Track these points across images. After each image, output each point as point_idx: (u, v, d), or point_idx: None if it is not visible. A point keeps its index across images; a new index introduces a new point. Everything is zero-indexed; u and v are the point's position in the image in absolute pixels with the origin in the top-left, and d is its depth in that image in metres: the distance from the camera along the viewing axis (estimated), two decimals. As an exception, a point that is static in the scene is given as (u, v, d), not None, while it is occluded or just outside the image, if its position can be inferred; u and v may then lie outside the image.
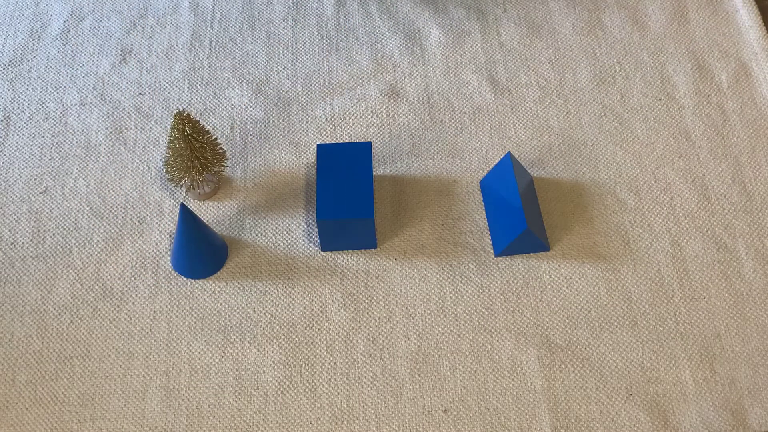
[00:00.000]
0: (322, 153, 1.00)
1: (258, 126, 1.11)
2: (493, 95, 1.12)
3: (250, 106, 1.13)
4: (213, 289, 0.98)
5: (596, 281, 0.98)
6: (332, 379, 0.92)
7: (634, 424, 0.89)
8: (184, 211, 0.92)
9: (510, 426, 0.89)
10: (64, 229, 1.03)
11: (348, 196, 0.96)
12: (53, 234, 1.03)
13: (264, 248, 1.01)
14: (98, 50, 1.18)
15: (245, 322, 0.96)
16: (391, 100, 1.12)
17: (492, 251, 1.00)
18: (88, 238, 1.02)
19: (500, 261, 0.99)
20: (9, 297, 0.98)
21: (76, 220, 1.04)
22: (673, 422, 0.89)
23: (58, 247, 1.02)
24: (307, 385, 0.92)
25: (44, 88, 1.15)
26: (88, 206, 1.05)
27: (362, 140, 1.08)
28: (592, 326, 0.95)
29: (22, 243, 1.02)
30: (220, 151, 1.01)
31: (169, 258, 1.00)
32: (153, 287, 0.99)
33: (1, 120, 1.12)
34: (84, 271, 1.00)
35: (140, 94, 1.14)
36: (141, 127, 1.11)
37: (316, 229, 1.01)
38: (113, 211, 1.04)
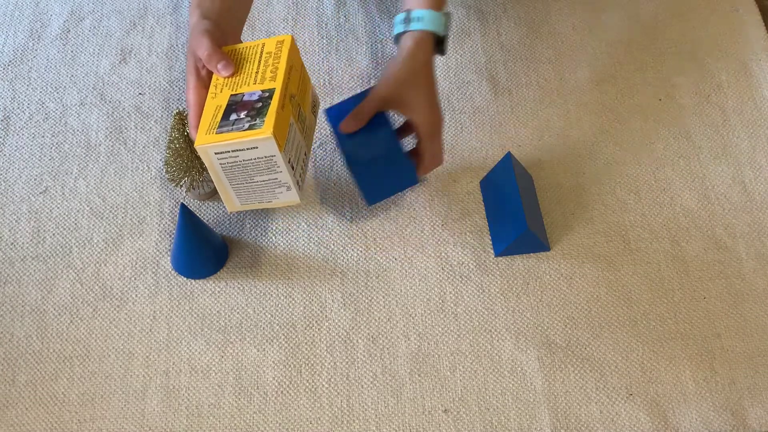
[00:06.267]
0: (333, 116, 0.93)
1: (258, 126, 1.11)
2: (493, 95, 1.12)
3: (250, 106, 1.13)
4: (213, 289, 0.98)
5: (596, 281, 0.98)
6: (332, 379, 0.92)
7: (634, 424, 0.89)
8: (184, 211, 0.92)
9: (510, 426, 0.89)
10: (64, 229, 1.03)
11: (370, 138, 0.90)
12: (53, 234, 1.03)
13: (264, 248, 1.01)
14: (98, 50, 1.18)
15: (245, 322, 0.96)
16: (391, 100, 1.12)
17: (492, 251, 1.00)
18: (88, 238, 1.02)
19: (500, 261, 0.99)
20: (9, 297, 0.98)
21: (76, 220, 1.04)
22: (673, 422, 0.89)
23: (58, 247, 1.02)
24: (307, 385, 0.92)
25: (44, 88, 1.15)
26: (88, 206, 1.05)
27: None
28: (592, 326, 0.95)
29: (22, 243, 1.02)
30: (220, 151, 1.01)
31: (169, 258, 1.00)
32: (153, 287, 0.99)
33: (1, 120, 1.12)
34: (84, 271, 1.00)
35: (140, 94, 1.14)
36: (141, 127, 1.11)
37: (318, 228, 1.01)
38: (113, 211, 1.04)
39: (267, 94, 0.81)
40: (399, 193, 1.04)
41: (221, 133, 0.79)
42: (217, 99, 0.83)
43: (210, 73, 0.87)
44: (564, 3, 1.22)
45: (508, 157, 1.00)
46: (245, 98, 0.82)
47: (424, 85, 0.90)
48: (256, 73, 0.84)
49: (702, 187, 1.04)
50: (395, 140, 0.91)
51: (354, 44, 1.18)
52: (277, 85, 0.82)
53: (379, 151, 0.91)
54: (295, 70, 0.86)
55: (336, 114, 0.93)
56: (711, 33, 1.18)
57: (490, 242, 1.01)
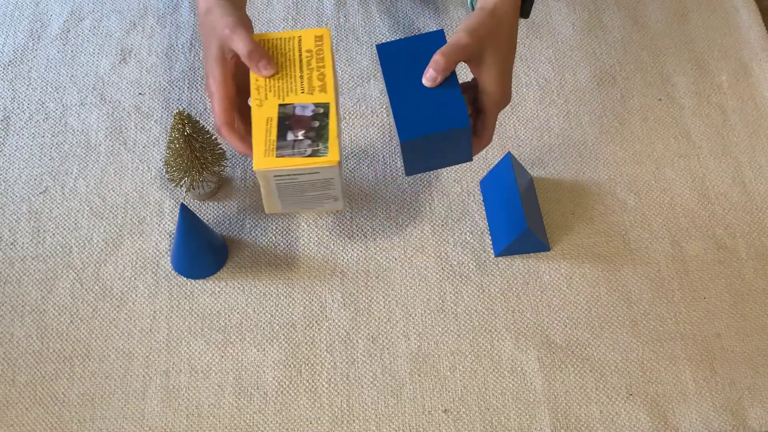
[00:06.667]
0: (385, 55, 0.80)
1: (258, 126, 1.11)
2: (493, 95, 1.12)
3: (250, 106, 1.13)
4: (213, 289, 0.98)
5: (596, 281, 0.98)
6: (332, 379, 0.92)
7: (634, 424, 0.89)
8: (184, 211, 0.92)
9: (510, 426, 0.89)
10: (64, 229, 1.03)
11: (432, 104, 0.76)
12: (53, 234, 1.03)
13: (264, 248, 1.01)
14: (98, 50, 1.18)
15: (245, 322, 0.96)
16: (391, 100, 1.12)
17: (492, 251, 1.00)
18: (88, 238, 1.02)
19: (500, 261, 0.99)
20: (9, 297, 0.98)
21: (76, 220, 1.04)
22: (673, 422, 0.89)
23: (58, 247, 1.02)
24: (307, 385, 0.92)
25: (44, 88, 1.15)
26: (88, 206, 1.05)
27: (363, 140, 1.08)
28: (592, 326, 0.95)
29: (22, 243, 1.02)
30: (220, 151, 1.01)
31: (169, 258, 1.00)
32: (153, 287, 0.99)
33: (1, 120, 1.12)
34: (84, 271, 1.00)
35: (140, 94, 1.14)
36: (141, 127, 1.11)
37: (318, 228, 1.01)
38: (113, 211, 1.04)
39: (322, 111, 0.77)
40: (399, 194, 1.04)
41: (282, 156, 0.76)
42: (265, 108, 0.78)
43: (236, 62, 0.80)
44: (564, 3, 1.22)
45: (508, 157, 1.00)
46: (297, 112, 0.78)
47: (506, 44, 0.80)
48: (301, 77, 0.79)
49: (702, 187, 1.04)
50: (465, 108, 0.77)
51: (354, 44, 1.18)
52: (330, 98, 0.78)
53: (447, 119, 0.76)
54: (334, 69, 0.82)
55: (389, 54, 0.80)
56: (711, 33, 1.18)
57: (490, 242, 1.01)
